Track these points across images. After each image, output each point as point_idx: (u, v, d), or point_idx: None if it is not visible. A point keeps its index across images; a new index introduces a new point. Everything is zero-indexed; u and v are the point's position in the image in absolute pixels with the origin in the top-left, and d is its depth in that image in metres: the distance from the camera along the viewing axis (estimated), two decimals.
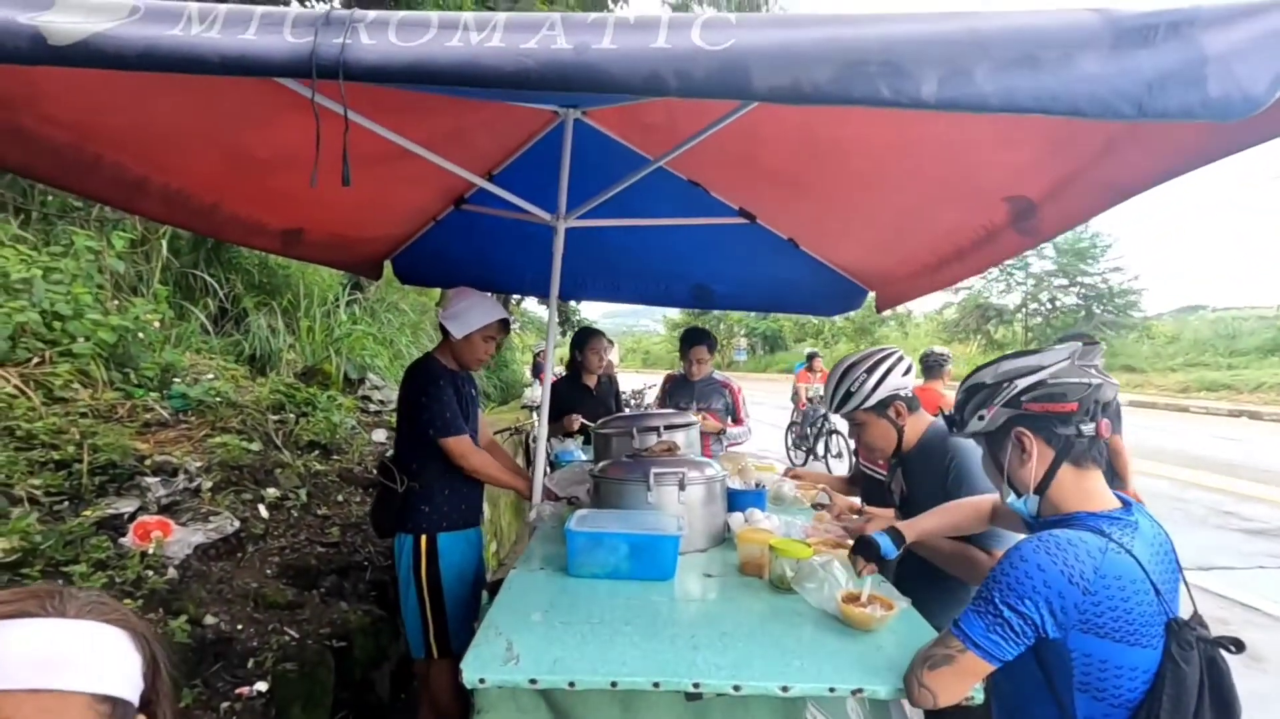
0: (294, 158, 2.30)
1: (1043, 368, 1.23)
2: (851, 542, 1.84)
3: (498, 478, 2.52)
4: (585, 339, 3.91)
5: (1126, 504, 1.22)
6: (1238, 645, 1.09)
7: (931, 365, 5.02)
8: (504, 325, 2.62)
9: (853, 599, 1.59)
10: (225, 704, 2.07)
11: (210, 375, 4.08)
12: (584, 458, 3.15)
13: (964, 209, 2.18)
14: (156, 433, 3.25)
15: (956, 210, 2.22)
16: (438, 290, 11.16)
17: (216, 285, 5.07)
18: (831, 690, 1.32)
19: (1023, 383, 1.22)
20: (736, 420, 3.56)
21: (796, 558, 1.74)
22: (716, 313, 38.39)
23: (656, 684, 1.32)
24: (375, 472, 2.49)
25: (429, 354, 2.60)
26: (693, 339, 3.70)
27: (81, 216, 4.33)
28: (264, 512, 3.07)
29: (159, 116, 1.93)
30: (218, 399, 3.67)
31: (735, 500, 2.34)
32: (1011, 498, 1.28)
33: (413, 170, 2.56)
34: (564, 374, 4.28)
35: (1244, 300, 25.57)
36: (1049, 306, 25.85)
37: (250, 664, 2.28)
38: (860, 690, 1.32)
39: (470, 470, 2.44)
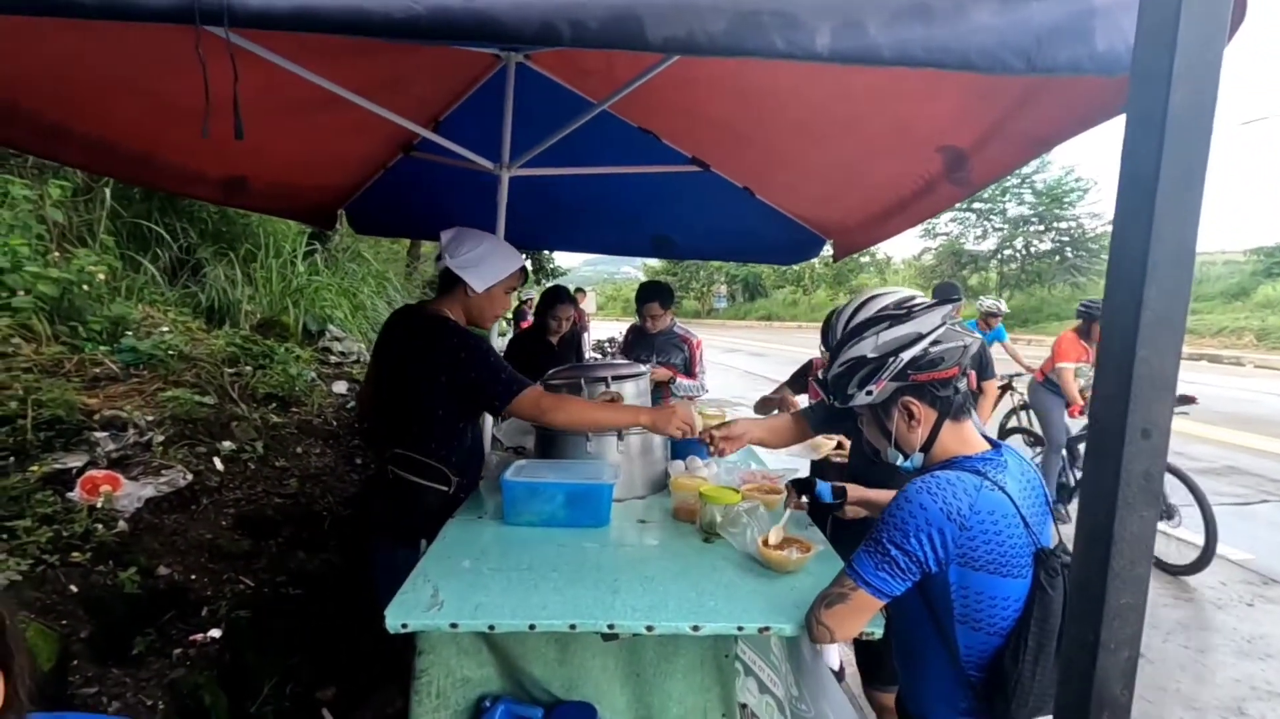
0: (227, 103, 2.23)
1: (923, 335, 1.23)
2: (783, 488, 1.91)
3: (611, 418, 2.04)
4: (551, 301, 3.88)
5: (996, 445, 1.28)
6: None
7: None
8: (524, 275, 2.26)
9: (773, 543, 1.66)
10: (178, 651, 2.13)
11: (165, 329, 4.02)
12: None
13: (902, 159, 2.18)
14: (106, 387, 3.22)
15: (895, 160, 2.22)
16: (406, 240, 11.00)
17: (170, 236, 4.94)
18: (740, 629, 1.39)
19: (908, 355, 1.24)
20: (690, 374, 3.60)
21: (725, 504, 1.80)
22: (697, 261, 38.21)
23: (573, 626, 1.38)
24: (400, 472, 2.00)
25: (434, 312, 2.05)
26: (644, 295, 3.70)
27: (19, 165, 4.16)
28: (219, 464, 3.08)
29: (74, 63, 1.85)
30: (170, 353, 3.62)
31: (677, 448, 2.39)
32: (899, 459, 1.33)
33: (356, 116, 2.48)
34: (529, 328, 4.26)
35: (1215, 246, 25.83)
36: (1024, 252, 26.02)
37: (204, 612, 2.34)
38: (767, 629, 1.39)
39: (568, 423, 1.97)
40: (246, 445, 3.34)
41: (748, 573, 1.63)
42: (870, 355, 1.27)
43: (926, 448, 1.29)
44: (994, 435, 4.23)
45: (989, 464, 1.22)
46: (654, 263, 43.14)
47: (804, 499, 1.79)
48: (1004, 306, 6.73)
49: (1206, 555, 3.85)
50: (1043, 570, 1.17)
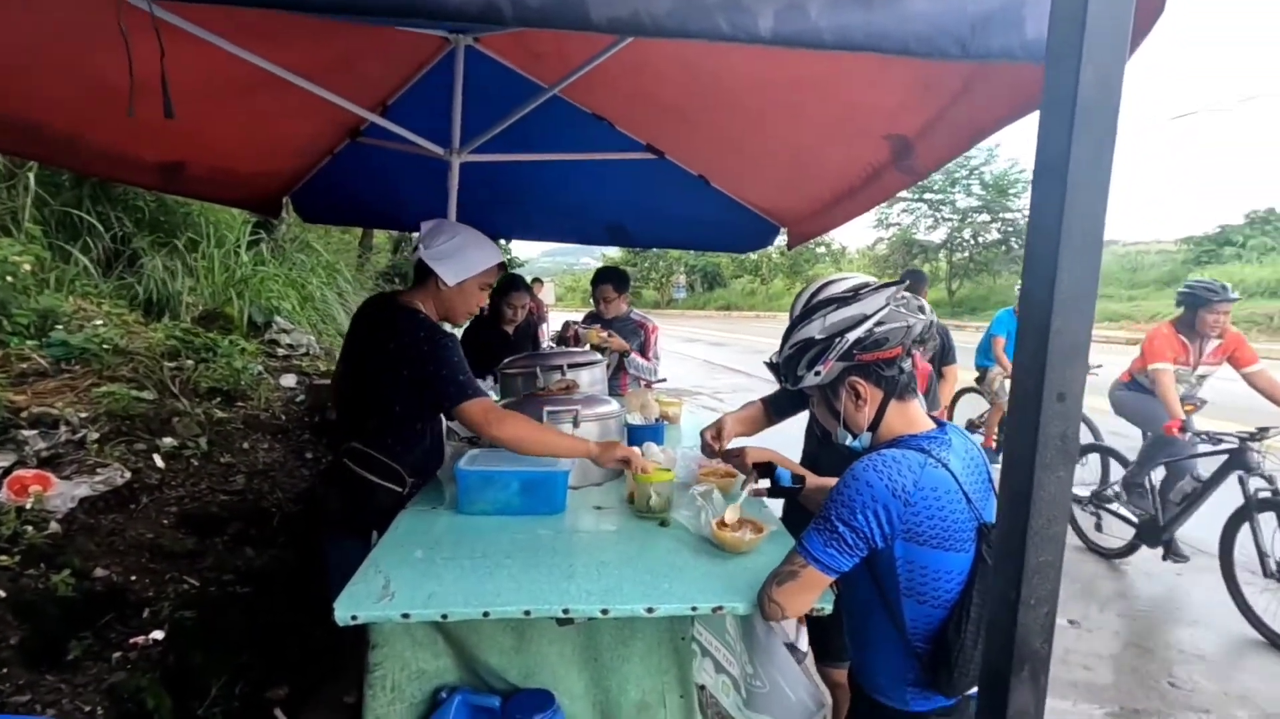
0: (156, 82, 2.13)
1: (867, 317, 1.27)
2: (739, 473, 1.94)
3: (556, 443, 1.90)
4: (505, 289, 3.81)
5: (941, 425, 1.33)
6: None
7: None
8: (502, 270, 2.19)
9: (728, 525, 1.68)
10: (118, 654, 2.05)
11: (99, 322, 3.84)
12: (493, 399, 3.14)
13: (851, 147, 2.22)
14: (35, 383, 3.07)
15: (844, 148, 2.26)
16: (358, 229, 10.71)
17: (103, 225, 4.71)
18: (694, 609, 1.41)
19: (853, 335, 1.27)
20: (644, 356, 3.61)
21: (657, 483, 1.82)
22: (655, 250, 38.26)
23: (528, 612, 1.38)
24: (354, 467, 1.94)
25: (405, 303, 1.98)
26: (599, 279, 3.70)
27: None
28: (159, 462, 2.96)
29: None
30: (105, 347, 3.46)
31: (634, 435, 2.40)
32: (848, 439, 1.36)
33: (300, 100, 2.40)
34: (484, 317, 4.17)
35: (1149, 235, 27.07)
36: (972, 242, 26.77)
37: (146, 614, 2.26)
38: (720, 608, 1.41)
39: (511, 441, 1.84)
40: (189, 442, 3.22)
41: (702, 555, 1.65)
42: (818, 337, 1.31)
43: (874, 427, 1.33)
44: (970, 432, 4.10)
45: (933, 442, 1.26)
46: (613, 253, 43.03)
47: (763, 484, 1.81)
48: None
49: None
50: (984, 544, 1.21)
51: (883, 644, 1.33)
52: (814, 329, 1.31)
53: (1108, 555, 4.14)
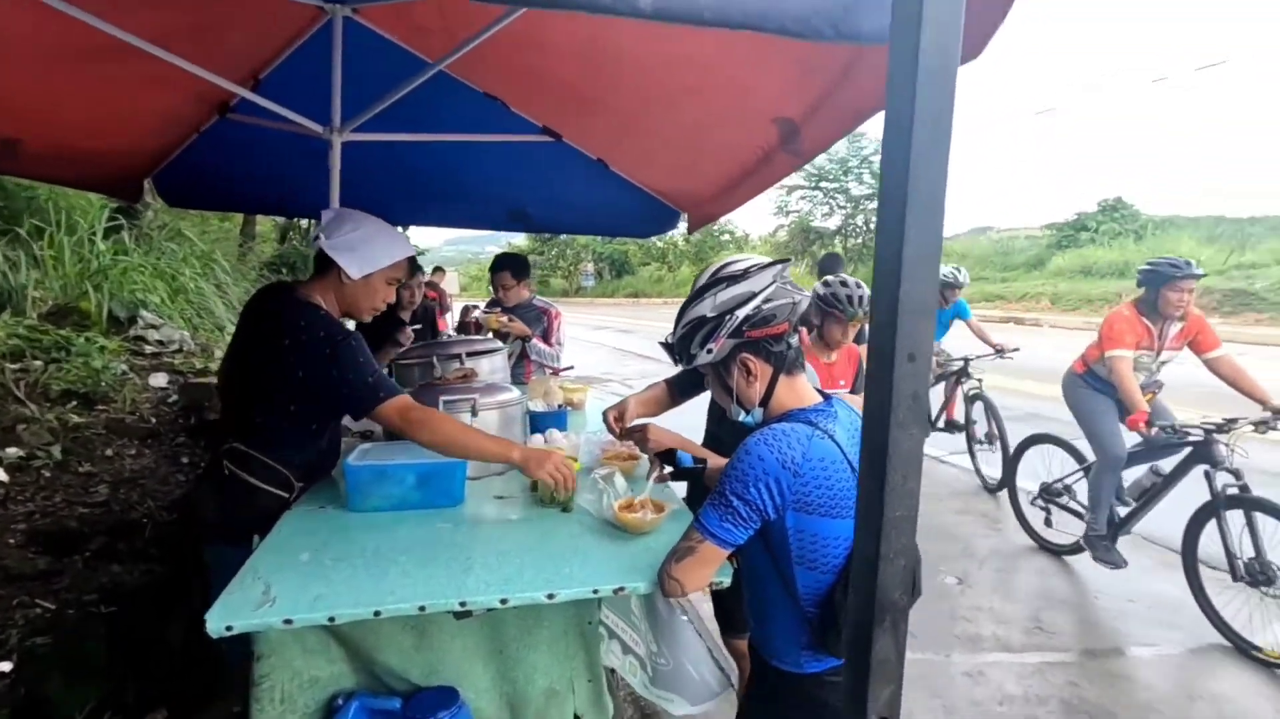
0: None
1: (755, 294, 1.31)
2: (643, 456, 1.95)
3: (480, 446, 1.76)
4: None
5: (827, 398, 1.39)
6: None
7: None
8: (411, 265, 2.03)
9: (629, 507, 1.68)
10: None
11: None
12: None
13: (742, 130, 2.26)
14: None
15: (736, 131, 2.30)
16: (239, 217, 9.94)
17: None
18: (596, 592, 1.40)
19: (742, 313, 1.31)
20: (547, 342, 3.57)
21: None
22: (563, 238, 37.89)
23: (422, 608, 1.33)
24: (234, 469, 1.80)
25: (304, 296, 1.83)
26: (496, 266, 3.65)
27: None
28: (2, 474, 2.65)
29: None
30: None
31: (537, 422, 2.36)
32: (741, 414, 1.39)
33: (156, 70, 2.17)
34: None
35: (1019, 223, 29.49)
36: (865, 228, 28.22)
37: None
38: (622, 588, 1.41)
39: (433, 442, 1.72)
40: (39, 450, 2.89)
41: (605, 538, 1.65)
42: (709, 315, 1.34)
43: (765, 402, 1.36)
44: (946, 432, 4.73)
45: (820, 415, 1.31)
46: (519, 241, 42.31)
47: (667, 468, 1.82)
48: (965, 277, 5.47)
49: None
50: None
51: (778, 612, 1.38)
52: (705, 307, 1.34)
53: (1058, 552, 3.90)
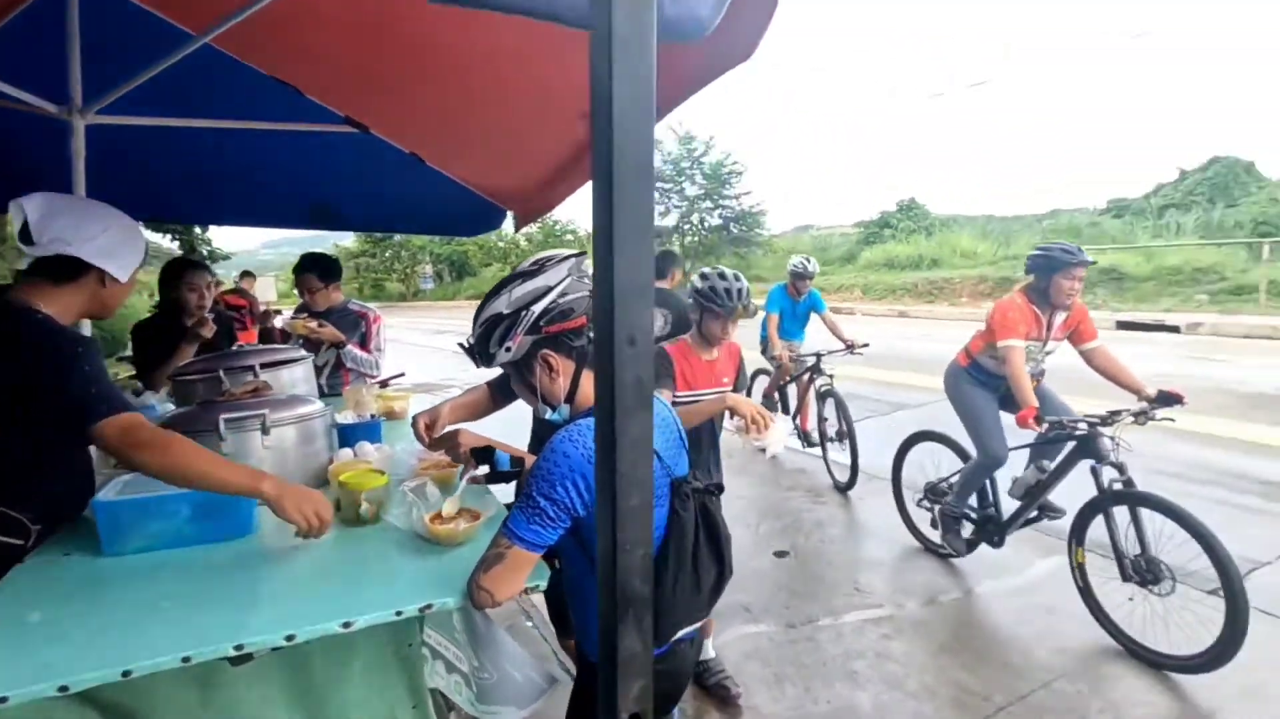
0: None
1: (551, 288, 1.29)
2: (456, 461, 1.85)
3: (220, 475, 1.47)
4: (177, 272, 3.12)
5: None
6: (719, 489, 1.35)
7: None
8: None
9: (440, 518, 1.59)
10: None
11: None
12: (170, 408, 2.63)
13: (555, 125, 2.24)
14: None
15: (550, 126, 2.27)
16: None
17: None
18: (399, 613, 1.30)
19: (538, 308, 1.28)
20: (364, 348, 3.31)
21: (370, 488, 1.67)
22: (398, 238, 35.86)
23: (187, 659, 1.15)
24: None
25: (23, 303, 1.56)
26: (301, 268, 3.33)
27: None
28: None
29: None
30: None
31: (345, 436, 2.18)
32: (548, 412, 1.36)
33: None
34: (156, 313, 3.42)
35: (835, 221, 32.47)
36: (699, 227, 29.53)
37: None
38: (430, 605, 1.32)
39: (162, 469, 1.44)
40: None
41: (414, 553, 1.54)
42: (505, 311, 1.30)
43: (570, 398, 1.34)
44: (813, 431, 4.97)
45: None
46: (347, 242, 39.45)
47: (482, 470, 1.74)
48: (814, 266, 5.35)
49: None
50: (676, 498, 1.29)
51: (595, 606, 1.36)
52: (501, 304, 1.30)
53: (946, 555, 3.69)
